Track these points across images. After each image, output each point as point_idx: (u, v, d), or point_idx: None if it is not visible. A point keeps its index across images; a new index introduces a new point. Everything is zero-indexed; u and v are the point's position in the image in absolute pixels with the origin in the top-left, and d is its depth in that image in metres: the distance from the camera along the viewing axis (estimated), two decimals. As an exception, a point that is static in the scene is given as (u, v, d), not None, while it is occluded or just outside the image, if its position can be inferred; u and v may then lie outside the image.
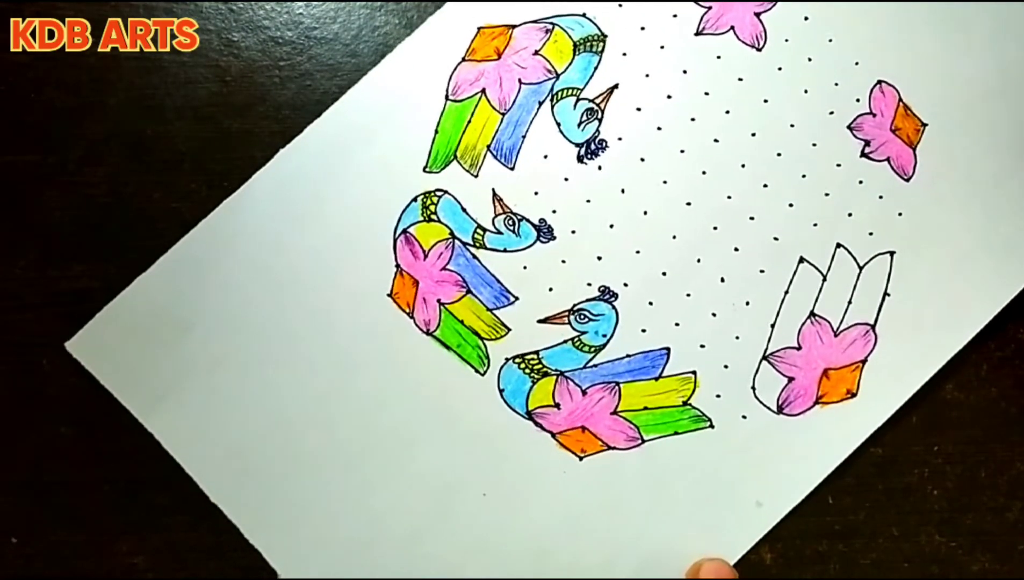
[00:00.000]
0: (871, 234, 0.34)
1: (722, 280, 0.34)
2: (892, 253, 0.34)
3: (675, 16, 0.35)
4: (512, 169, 0.35)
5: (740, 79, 0.35)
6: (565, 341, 0.34)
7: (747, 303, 0.34)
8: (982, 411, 0.35)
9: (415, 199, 0.34)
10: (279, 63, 0.35)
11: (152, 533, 0.35)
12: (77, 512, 0.35)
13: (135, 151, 0.35)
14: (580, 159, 0.35)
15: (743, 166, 0.34)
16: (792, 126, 0.35)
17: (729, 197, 0.34)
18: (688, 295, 0.34)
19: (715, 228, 0.34)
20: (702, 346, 0.34)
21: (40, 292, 0.35)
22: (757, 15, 0.35)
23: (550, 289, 0.34)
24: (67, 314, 0.34)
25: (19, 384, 0.35)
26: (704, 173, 0.35)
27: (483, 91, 0.35)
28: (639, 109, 0.35)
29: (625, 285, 0.34)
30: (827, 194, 0.34)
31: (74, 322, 0.34)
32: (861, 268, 0.34)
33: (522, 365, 0.34)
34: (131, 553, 0.35)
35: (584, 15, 0.35)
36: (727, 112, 0.35)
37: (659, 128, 0.35)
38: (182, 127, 0.35)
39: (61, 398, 0.35)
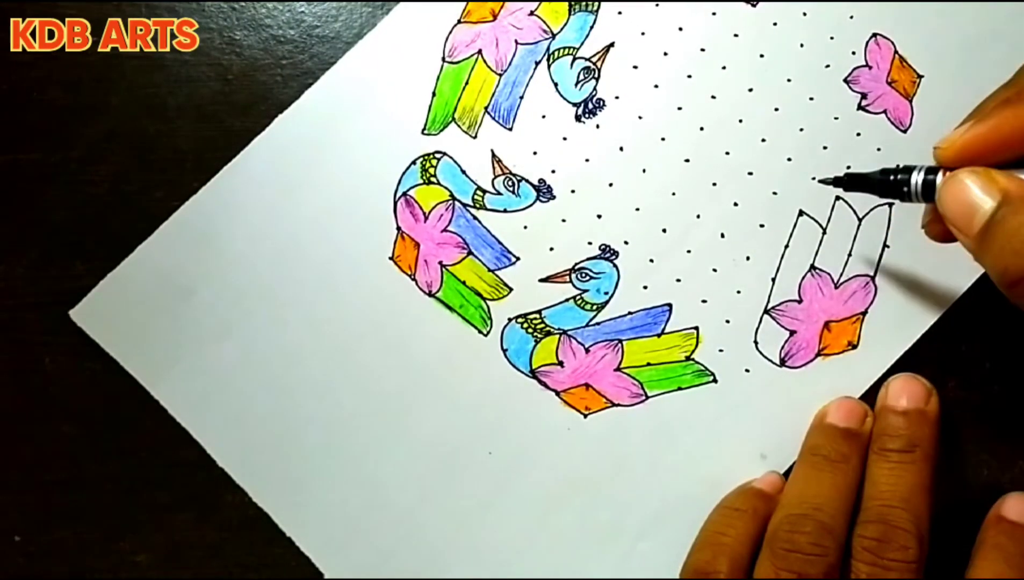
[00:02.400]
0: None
1: (722, 236, 0.35)
2: (891, 205, 0.34)
3: (670, -27, 0.35)
4: (510, 130, 0.35)
5: (736, 35, 0.35)
6: (567, 300, 0.35)
7: (747, 258, 0.35)
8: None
9: (414, 162, 0.35)
10: (281, 62, 0.35)
11: (154, 531, 0.35)
12: (79, 511, 0.35)
13: (137, 150, 0.35)
14: (578, 118, 0.35)
15: (741, 121, 0.35)
16: (789, 81, 0.35)
17: (727, 153, 0.35)
18: (688, 251, 0.35)
19: (714, 184, 0.35)
20: (704, 301, 0.35)
21: (42, 291, 0.35)
22: (752, -30, 0.35)
23: (551, 248, 0.35)
24: (68, 314, 0.34)
25: (21, 383, 0.35)
26: (702, 129, 0.35)
27: (479, 52, 0.35)
28: (636, 67, 0.35)
29: (625, 243, 0.35)
30: (825, 147, 0.35)
31: (76, 321, 0.34)
32: (860, 220, 0.34)
33: (525, 325, 0.35)
34: (134, 551, 0.35)
35: (579, -26, 0.35)
36: (723, 68, 0.35)
37: (656, 86, 0.35)
38: (184, 126, 0.35)
39: (63, 397, 0.35)
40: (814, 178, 0.34)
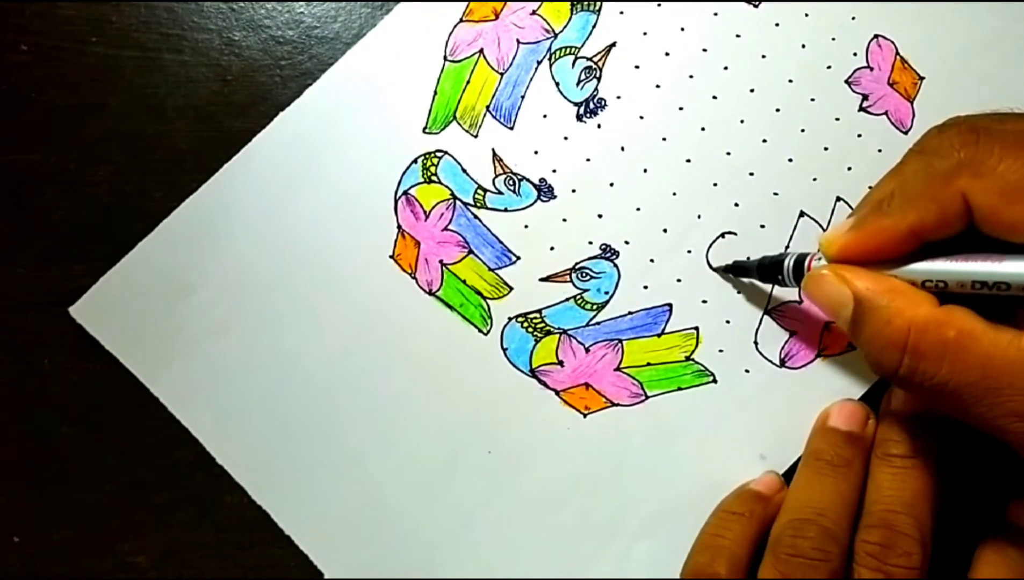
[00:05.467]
0: (870, 187, 0.34)
1: (723, 236, 0.35)
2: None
3: (672, -27, 0.35)
4: (511, 129, 0.35)
5: (738, 35, 0.35)
6: (567, 299, 0.35)
7: (748, 258, 0.34)
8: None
9: (415, 160, 0.35)
10: (280, 62, 0.35)
11: (153, 532, 0.35)
12: (79, 511, 0.35)
13: (136, 150, 0.35)
14: (579, 118, 0.35)
15: (742, 122, 0.35)
16: (790, 81, 0.35)
17: (728, 153, 0.35)
18: (689, 251, 0.35)
19: (715, 184, 0.35)
20: (704, 302, 0.35)
21: (41, 292, 0.35)
22: (754, -29, 0.35)
23: (551, 248, 0.35)
24: (68, 314, 0.34)
25: (20, 383, 0.35)
26: (703, 129, 0.35)
27: (481, 51, 0.35)
28: (637, 67, 0.35)
29: (626, 242, 0.35)
30: (826, 148, 0.35)
31: (75, 322, 0.34)
32: (861, 221, 0.34)
33: (525, 324, 0.35)
34: (133, 552, 0.35)
35: (581, -26, 0.35)
36: (725, 68, 0.35)
37: (658, 86, 0.35)
38: (183, 126, 0.35)
39: (62, 397, 0.35)
40: (711, 267, 0.35)
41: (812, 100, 0.35)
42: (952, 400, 0.26)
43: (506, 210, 0.35)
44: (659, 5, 0.35)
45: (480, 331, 0.34)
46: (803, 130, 0.35)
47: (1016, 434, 0.25)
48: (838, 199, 0.34)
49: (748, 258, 0.34)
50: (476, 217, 0.35)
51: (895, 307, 0.27)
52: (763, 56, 0.35)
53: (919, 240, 0.27)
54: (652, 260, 0.35)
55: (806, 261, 0.30)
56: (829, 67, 0.35)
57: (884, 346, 0.27)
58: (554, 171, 0.35)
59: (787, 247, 0.34)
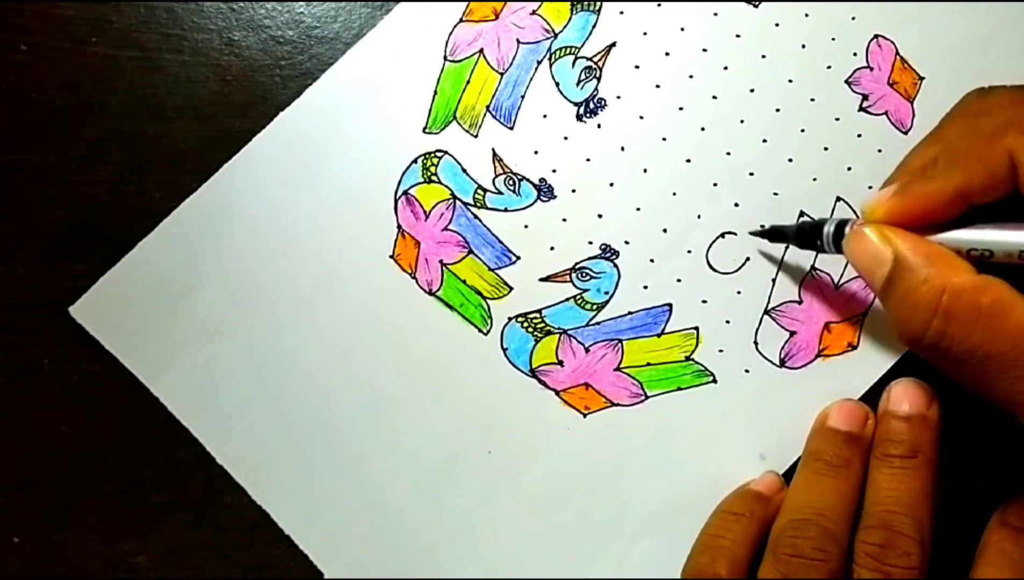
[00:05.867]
0: (870, 187, 0.34)
1: (723, 236, 0.35)
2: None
3: (672, -27, 0.35)
4: (511, 129, 0.35)
5: (738, 35, 0.35)
6: (567, 299, 0.35)
7: (748, 258, 0.34)
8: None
9: (415, 160, 0.35)
10: (280, 62, 0.35)
11: (153, 532, 0.35)
12: (78, 511, 0.35)
13: (136, 150, 0.35)
14: (579, 118, 0.35)
15: (742, 122, 0.35)
16: (790, 81, 0.35)
17: (728, 153, 0.35)
18: (689, 251, 0.35)
19: (715, 184, 0.35)
20: (704, 302, 0.35)
21: (41, 292, 0.35)
22: (754, -29, 0.35)
23: (551, 248, 0.35)
24: (68, 314, 0.34)
25: (20, 384, 0.35)
26: (703, 129, 0.35)
27: (481, 51, 0.35)
28: (637, 67, 0.35)
29: (626, 242, 0.35)
30: (826, 148, 0.35)
31: (75, 322, 0.34)
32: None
33: (525, 324, 0.35)
34: (133, 552, 0.35)
35: (581, -26, 0.35)
36: (725, 68, 0.35)
37: (658, 86, 0.35)
38: (183, 126, 0.35)
39: (62, 397, 0.35)
40: (749, 232, 0.34)
41: (812, 100, 0.35)
42: (978, 370, 0.26)
43: (506, 210, 0.35)
44: (659, 5, 0.35)
45: (480, 331, 0.34)
46: (803, 130, 0.35)
47: None
48: (838, 199, 0.34)
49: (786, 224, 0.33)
50: (476, 217, 0.35)
51: (934, 270, 0.26)
52: (763, 56, 0.35)
53: (967, 203, 0.27)
54: (652, 260, 0.35)
55: (847, 227, 0.30)
56: (829, 67, 0.35)
57: (916, 305, 0.26)
58: (554, 171, 0.35)
59: (787, 248, 0.34)
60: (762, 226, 0.34)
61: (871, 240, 0.28)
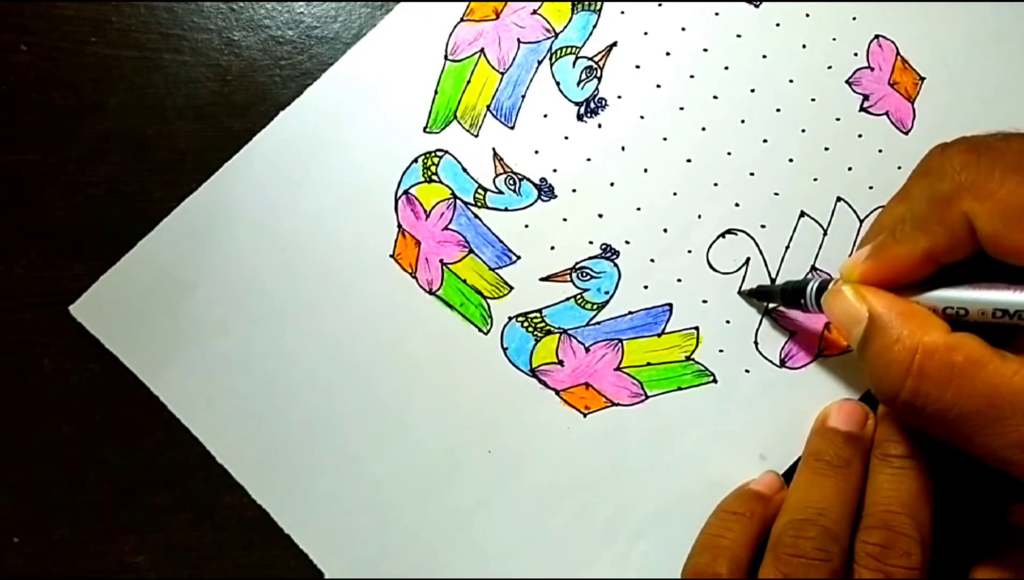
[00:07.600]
0: (871, 188, 0.34)
1: (723, 235, 0.35)
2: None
3: (673, -27, 0.35)
4: (512, 128, 0.35)
5: (739, 35, 0.35)
6: (567, 299, 0.35)
7: (748, 258, 0.34)
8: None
9: (416, 160, 0.35)
10: (280, 62, 0.35)
11: (153, 532, 0.35)
12: (78, 511, 0.35)
13: (136, 150, 0.35)
14: (580, 117, 0.35)
15: (743, 122, 0.35)
16: (791, 81, 0.35)
17: (729, 153, 0.35)
18: (689, 251, 0.35)
19: (715, 184, 0.35)
20: (704, 301, 0.35)
21: (41, 292, 0.34)
22: (754, -29, 0.35)
23: (552, 247, 0.35)
24: (68, 314, 0.34)
25: (20, 384, 0.35)
26: (704, 129, 0.35)
27: (482, 51, 0.35)
28: (638, 67, 0.35)
29: (626, 242, 0.35)
30: (827, 148, 0.35)
31: (75, 322, 0.34)
32: (861, 221, 0.34)
33: (525, 323, 0.34)
34: (132, 552, 0.35)
35: (582, -27, 0.35)
36: (726, 68, 0.35)
37: (658, 85, 0.35)
38: (183, 126, 0.35)
39: (62, 397, 0.35)
40: (738, 293, 0.35)
41: (813, 100, 0.35)
42: (955, 428, 0.26)
43: (506, 210, 0.35)
44: (660, 5, 0.35)
45: (480, 331, 0.34)
46: (804, 130, 0.35)
47: (1020, 465, 0.25)
48: (839, 199, 0.34)
49: (772, 282, 0.34)
50: (476, 216, 0.35)
51: (907, 329, 0.27)
52: (764, 56, 0.35)
53: (936, 263, 0.27)
54: (652, 260, 0.35)
55: (829, 287, 0.30)
56: (830, 67, 0.35)
57: (889, 364, 0.27)
58: (555, 171, 0.35)
59: (787, 248, 0.34)
60: (749, 289, 0.34)
61: (847, 299, 0.29)
